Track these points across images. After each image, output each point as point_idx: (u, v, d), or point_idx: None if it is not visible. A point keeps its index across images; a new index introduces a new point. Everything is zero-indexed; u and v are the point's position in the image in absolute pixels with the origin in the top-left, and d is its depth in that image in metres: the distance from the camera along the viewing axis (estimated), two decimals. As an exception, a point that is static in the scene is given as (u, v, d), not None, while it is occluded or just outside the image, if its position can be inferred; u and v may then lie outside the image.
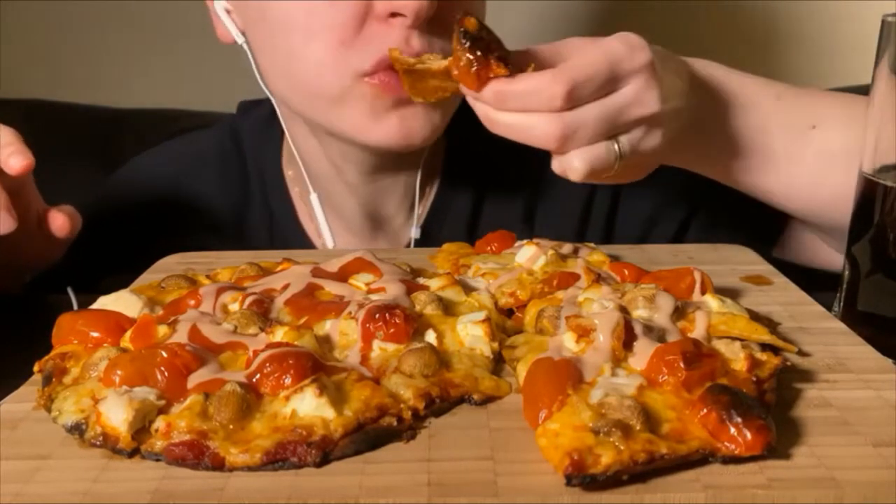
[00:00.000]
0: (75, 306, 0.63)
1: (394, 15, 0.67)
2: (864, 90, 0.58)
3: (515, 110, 0.55)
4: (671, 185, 0.84)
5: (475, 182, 0.87)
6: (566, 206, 0.88)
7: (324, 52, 0.70)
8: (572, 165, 0.57)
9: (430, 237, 0.85)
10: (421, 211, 0.86)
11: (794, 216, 0.76)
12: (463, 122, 0.80)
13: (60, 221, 0.69)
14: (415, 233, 0.85)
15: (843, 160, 0.65)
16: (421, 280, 0.58)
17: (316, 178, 0.84)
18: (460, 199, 0.87)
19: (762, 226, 0.82)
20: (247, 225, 0.89)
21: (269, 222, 0.89)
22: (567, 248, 0.62)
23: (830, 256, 0.77)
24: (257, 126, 0.89)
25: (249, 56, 0.78)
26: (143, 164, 0.95)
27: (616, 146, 0.57)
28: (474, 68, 0.54)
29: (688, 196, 0.87)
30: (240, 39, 0.78)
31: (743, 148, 0.69)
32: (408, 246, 0.86)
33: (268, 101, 0.81)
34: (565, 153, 0.57)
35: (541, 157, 0.81)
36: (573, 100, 0.54)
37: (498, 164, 0.87)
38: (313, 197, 0.82)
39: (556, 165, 0.58)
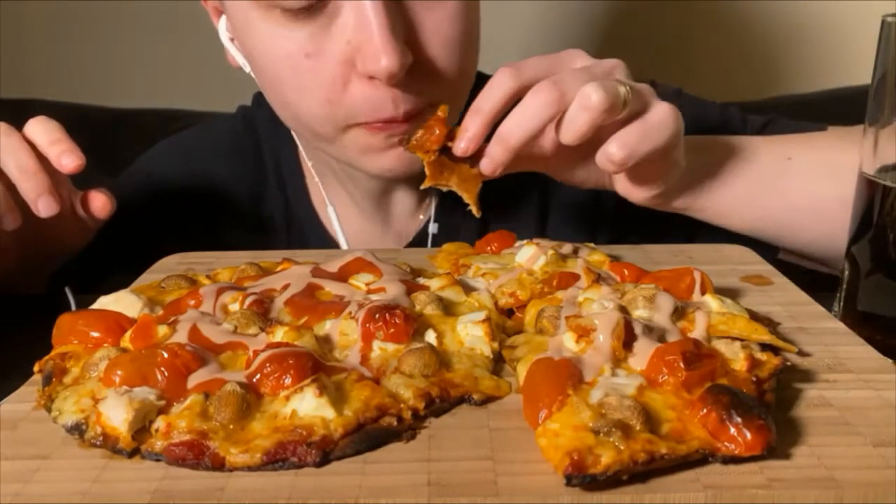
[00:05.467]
0: (73, 306, 0.63)
1: (372, 77, 0.67)
2: (864, 90, 0.58)
3: (496, 110, 0.61)
4: None
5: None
6: (577, 206, 0.88)
7: (315, 107, 0.70)
8: (589, 97, 0.58)
9: (444, 233, 0.86)
10: (434, 206, 0.87)
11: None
12: None
13: (101, 202, 0.70)
14: (433, 228, 0.86)
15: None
16: (421, 280, 0.58)
17: (329, 170, 0.85)
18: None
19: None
20: (262, 209, 0.89)
21: (284, 207, 0.89)
22: (567, 248, 0.62)
23: None
24: (272, 116, 0.90)
25: (257, 81, 0.78)
26: (155, 158, 0.94)
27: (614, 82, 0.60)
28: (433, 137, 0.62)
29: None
30: (246, 68, 0.78)
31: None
32: (419, 238, 0.87)
33: None
34: (570, 103, 0.59)
35: None
36: (522, 67, 0.61)
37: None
38: (330, 210, 0.84)
39: (579, 102, 0.58)
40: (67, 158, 0.64)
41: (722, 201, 0.74)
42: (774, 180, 0.73)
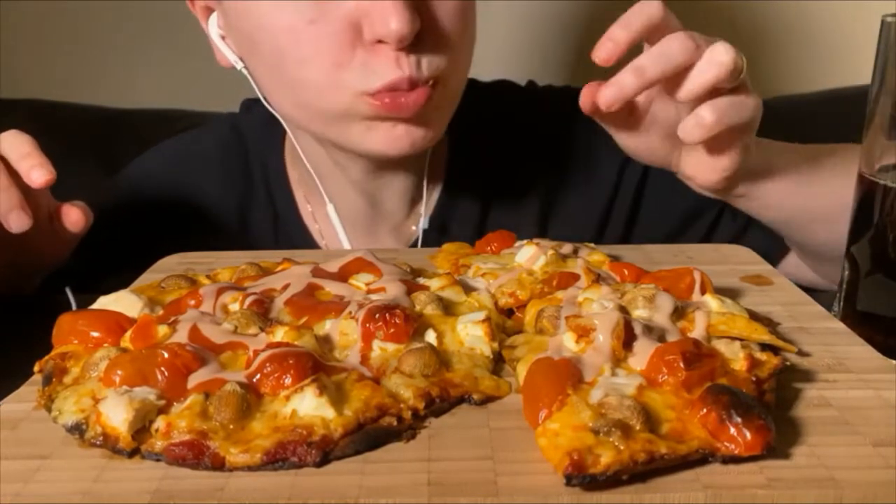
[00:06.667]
0: (73, 306, 0.63)
1: (380, 41, 0.67)
2: (863, 90, 0.58)
3: (642, 30, 0.63)
4: (690, 201, 0.86)
5: (483, 182, 0.87)
6: (583, 210, 0.88)
7: (320, 75, 0.69)
8: (720, 55, 0.61)
9: (437, 235, 0.85)
10: (427, 208, 0.87)
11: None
12: (467, 122, 0.81)
13: (75, 216, 0.69)
14: (423, 223, 0.85)
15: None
16: (421, 280, 0.58)
17: (319, 175, 0.84)
18: (467, 197, 0.87)
19: (767, 246, 0.84)
20: (250, 221, 0.89)
21: (272, 219, 0.89)
22: (567, 248, 0.62)
23: (813, 281, 0.85)
24: (260, 123, 0.89)
25: (250, 79, 0.78)
26: (144, 166, 0.94)
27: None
28: None
29: (701, 210, 0.88)
30: (238, 65, 0.78)
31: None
32: (415, 242, 0.87)
33: None
34: (702, 57, 0.62)
35: (556, 159, 0.82)
36: (669, 11, 0.64)
37: (507, 164, 0.88)
38: (330, 208, 0.83)
39: (709, 58, 0.61)
40: (37, 173, 0.63)
41: (773, 193, 0.75)
42: (820, 174, 0.74)
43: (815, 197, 0.75)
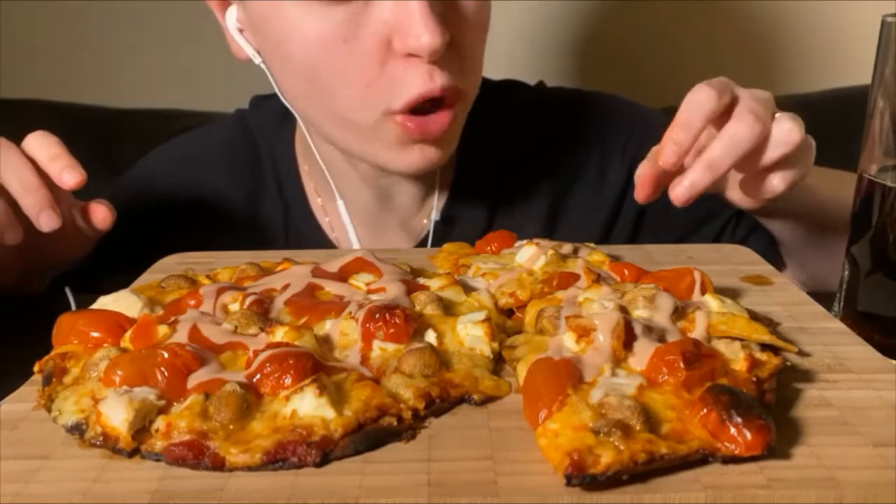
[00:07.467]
0: (73, 306, 0.63)
1: (411, 55, 0.68)
2: (863, 90, 0.58)
3: (704, 125, 0.61)
4: (698, 207, 0.87)
5: (492, 179, 0.88)
6: (591, 211, 0.89)
7: (352, 93, 0.70)
8: (791, 133, 0.62)
9: (446, 231, 0.86)
10: (437, 203, 0.87)
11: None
12: (477, 120, 0.81)
13: (102, 214, 0.69)
14: (434, 216, 0.86)
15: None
16: (421, 280, 0.58)
17: (330, 171, 0.85)
18: (476, 194, 0.87)
19: (769, 251, 0.85)
20: (261, 215, 0.89)
21: (283, 212, 0.89)
22: (567, 248, 0.62)
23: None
24: (270, 117, 0.89)
25: (267, 72, 0.78)
26: (150, 165, 0.94)
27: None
28: None
29: (710, 215, 0.89)
30: (256, 59, 0.78)
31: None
32: (425, 238, 0.87)
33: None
34: (770, 135, 0.62)
35: (565, 160, 0.82)
36: (720, 91, 0.61)
37: (516, 163, 0.88)
38: (340, 203, 0.84)
39: (779, 136, 0.62)
40: (68, 175, 0.64)
41: (802, 211, 0.77)
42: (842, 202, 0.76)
43: (836, 219, 0.75)
